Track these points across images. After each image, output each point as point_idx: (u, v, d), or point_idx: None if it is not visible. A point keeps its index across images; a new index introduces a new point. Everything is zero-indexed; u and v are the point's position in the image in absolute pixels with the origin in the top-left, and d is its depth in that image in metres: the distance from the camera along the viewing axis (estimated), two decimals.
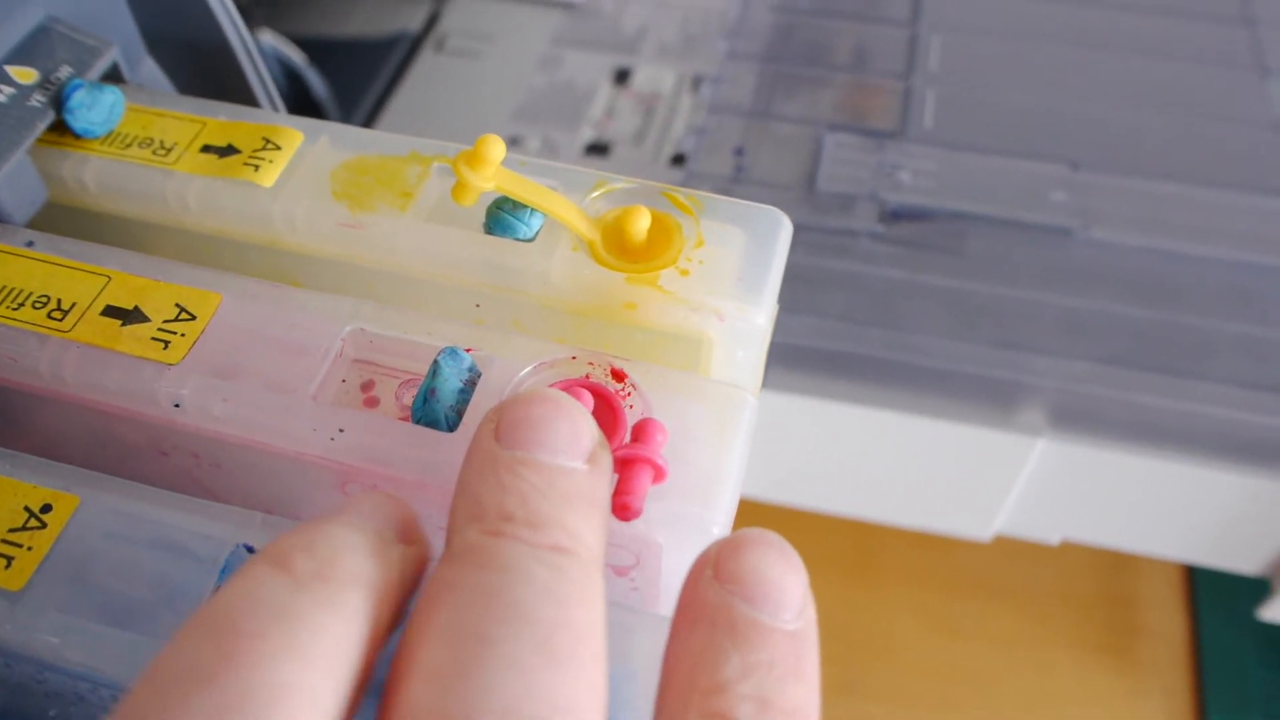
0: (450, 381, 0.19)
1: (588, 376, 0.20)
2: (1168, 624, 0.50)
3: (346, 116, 0.51)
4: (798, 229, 0.36)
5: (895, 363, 0.33)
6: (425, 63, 0.54)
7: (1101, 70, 0.42)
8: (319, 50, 0.54)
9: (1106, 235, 0.36)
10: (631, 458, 0.18)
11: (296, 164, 0.23)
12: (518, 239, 0.21)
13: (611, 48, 0.54)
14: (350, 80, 0.53)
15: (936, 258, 0.35)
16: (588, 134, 0.49)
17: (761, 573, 0.15)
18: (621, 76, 0.52)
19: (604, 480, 0.16)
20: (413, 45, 0.55)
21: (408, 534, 0.15)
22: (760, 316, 0.21)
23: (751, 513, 0.44)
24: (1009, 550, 0.48)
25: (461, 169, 0.20)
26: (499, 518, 0.14)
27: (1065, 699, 0.47)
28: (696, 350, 0.21)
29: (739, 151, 0.38)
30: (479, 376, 0.19)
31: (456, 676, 0.13)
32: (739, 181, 0.37)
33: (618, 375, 0.20)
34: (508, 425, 0.15)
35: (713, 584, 0.15)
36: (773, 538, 0.15)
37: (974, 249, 0.35)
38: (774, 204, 0.37)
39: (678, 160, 0.47)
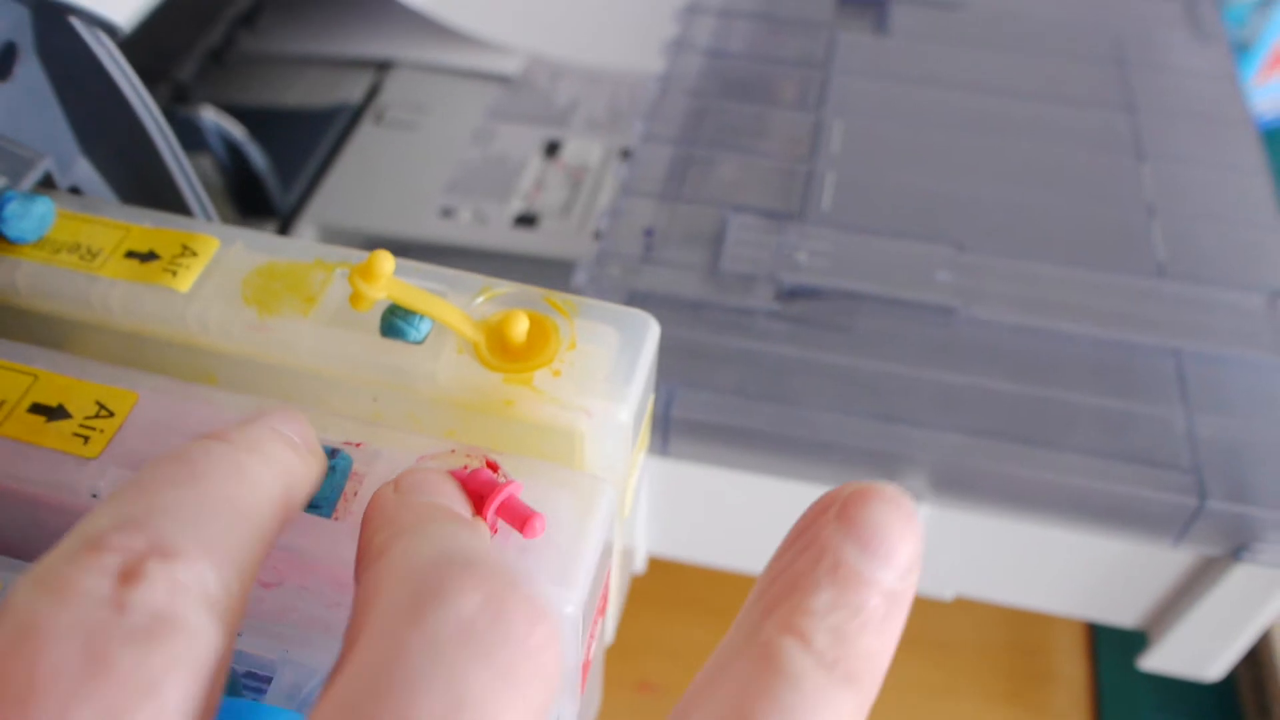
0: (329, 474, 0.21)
1: (465, 468, 0.22)
2: (1071, 671, 0.52)
3: (287, 186, 0.53)
4: (701, 307, 0.39)
5: (786, 436, 0.35)
6: (365, 134, 0.57)
7: (991, 154, 0.45)
8: (262, 119, 0.56)
9: (986, 314, 0.38)
10: (498, 505, 0.20)
11: (212, 269, 0.25)
12: (408, 342, 0.24)
13: (543, 121, 0.57)
14: (291, 150, 0.55)
15: (827, 335, 0.38)
16: (517, 205, 0.52)
17: (881, 526, 0.16)
18: (552, 149, 0.55)
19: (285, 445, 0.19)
20: (353, 116, 0.58)
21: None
22: (624, 413, 0.23)
23: (664, 569, 0.46)
24: (916, 601, 0.50)
25: (356, 281, 0.23)
26: (211, 438, 0.18)
27: None
28: (570, 442, 0.23)
29: (649, 232, 0.41)
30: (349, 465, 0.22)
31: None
32: (649, 261, 0.40)
33: (492, 467, 0.22)
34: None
35: (831, 522, 0.16)
36: (903, 500, 0.16)
37: (863, 327, 0.38)
38: (679, 283, 0.39)
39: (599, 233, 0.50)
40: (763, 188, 0.43)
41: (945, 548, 0.39)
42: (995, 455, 0.35)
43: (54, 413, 0.22)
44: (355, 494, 0.22)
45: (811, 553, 0.16)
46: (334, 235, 0.52)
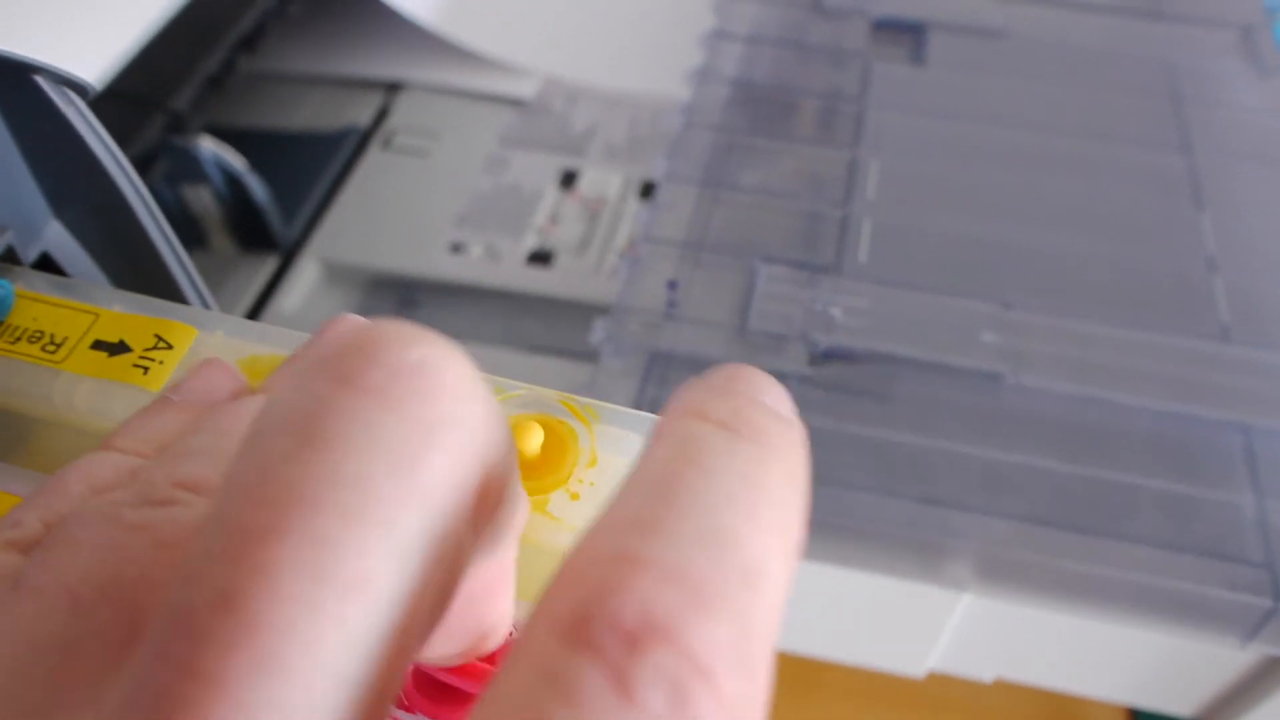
0: None
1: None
2: None
3: (290, 216, 0.50)
4: None
5: (818, 519, 0.32)
6: (372, 160, 0.54)
7: (1037, 196, 0.42)
8: (264, 143, 0.53)
9: (1035, 381, 0.36)
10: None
11: (188, 363, 0.22)
12: None
13: (559, 149, 0.54)
14: (295, 176, 0.53)
15: (864, 404, 0.35)
16: (531, 241, 0.49)
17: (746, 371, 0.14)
18: (568, 179, 0.52)
19: None
20: (361, 141, 0.55)
21: None
22: None
23: None
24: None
25: None
26: None
27: None
28: None
29: (672, 285, 0.38)
30: None
31: None
32: (671, 318, 0.37)
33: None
34: None
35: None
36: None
37: (902, 394, 0.35)
38: (705, 344, 0.37)
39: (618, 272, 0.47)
40: (794, 234, 0.40)
41: (987, 632, 0.36)
42: (1047, 545, 0.32)
43: None
44: None
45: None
46: (338, 271, 0.49)
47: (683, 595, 0.10)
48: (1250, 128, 0.46)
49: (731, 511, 0.11)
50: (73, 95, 0.24)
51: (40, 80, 0.24)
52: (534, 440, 0.21)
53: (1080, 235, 0.41)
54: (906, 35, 0.50)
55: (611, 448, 0.21)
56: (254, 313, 0.47)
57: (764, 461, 0.12)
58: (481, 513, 0.12)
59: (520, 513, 0.14)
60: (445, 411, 0.11)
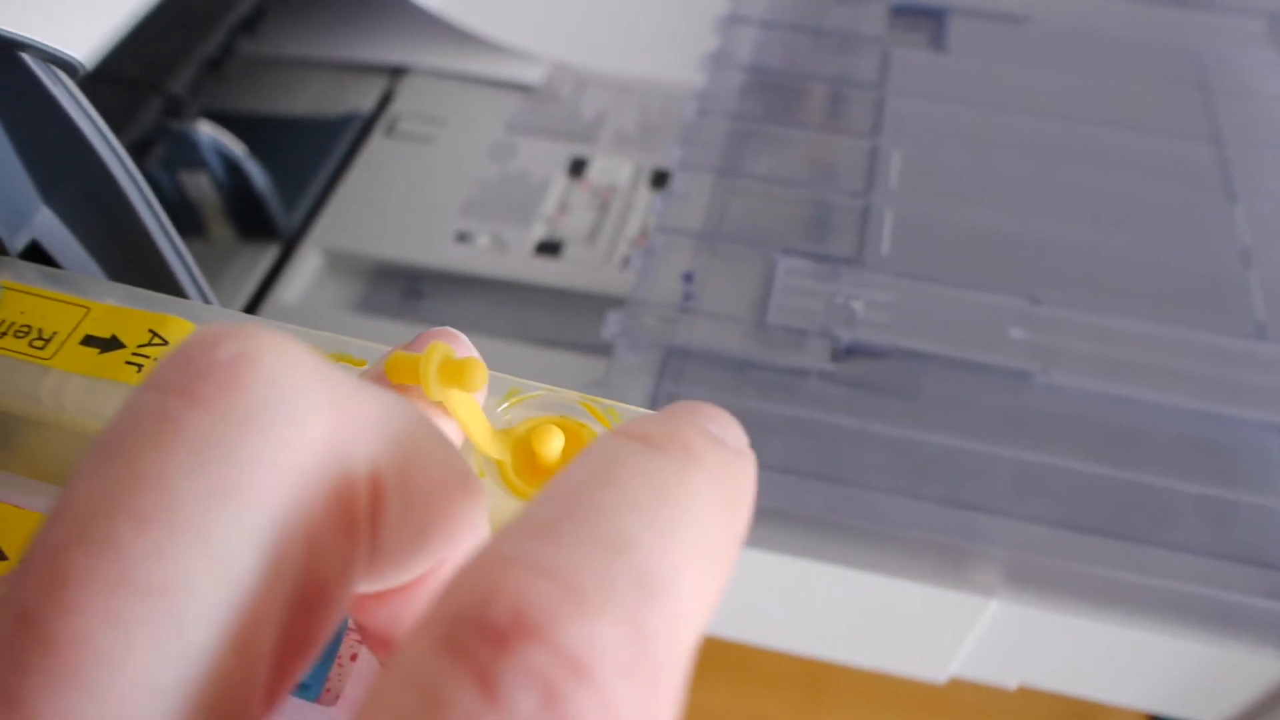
0: None
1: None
2: None
3: (291, 204, 0.49)
4: (746, 367, 0.35)
5: (842, 522, 0.31)
6: (375, 147, 0.53)
7: (1063, 187, 0.41)
8: (264, 129, 0.52)
9: (1066, 379, 0.34)
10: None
11: None
12: None
13: (568, 136, 0.53)
14: (296, 163, 0.51)
15: (889, 402, 0.33)
16: (539, 230, 0.48)
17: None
18: (577, 167, 0.51)
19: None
20: (364, 127, 0.54)
21: None
22: None
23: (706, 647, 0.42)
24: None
25: None
26: None
27: None
28: None
29: (688, 277, 0.37)
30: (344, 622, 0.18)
31: None
32: (686, 311, 0.36)
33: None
34: None
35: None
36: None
37: (928, 392, 0.34)
38: (723, 338, 0.35)
39: (630, 263, 0.46)
40: (813, 225, 0.39)
41: (1014, 641, 0.35)
42: (1078, 551, 0.31)
43: None
44: (354, 658, 0.18)
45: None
46: (340, 261, 0.48)
47: (559, 594, 0.10)
48: None
49: (633, 519, 0.11)
50: (61, 75, 0.23)
51: (27, 58, 0.22)
52: (553, 444, 0.19)
53: (1108, 228, 0.40)
54: (926, 21, 0.49)
55: None
56: (254, 304, 0.45)
57: (685, 475, 0.12)
58: (352, 501, 0.11)
59: (466, 505, 0.13)
60: (259, 401, 0.11)
